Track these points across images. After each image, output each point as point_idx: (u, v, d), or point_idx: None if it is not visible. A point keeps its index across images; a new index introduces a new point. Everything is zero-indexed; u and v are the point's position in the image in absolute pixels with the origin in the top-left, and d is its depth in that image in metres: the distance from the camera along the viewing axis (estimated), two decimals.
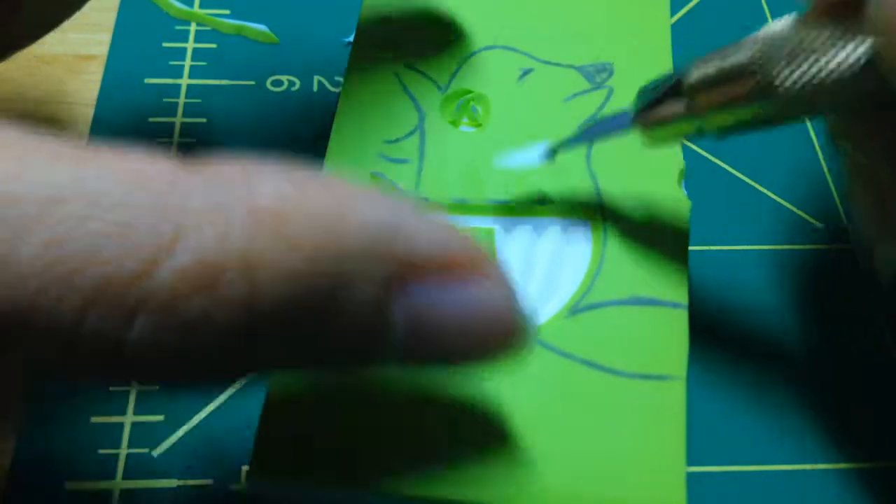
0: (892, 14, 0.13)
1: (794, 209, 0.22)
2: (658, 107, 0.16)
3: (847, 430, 0.18)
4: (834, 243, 0.21)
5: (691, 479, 0.17)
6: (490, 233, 0.18)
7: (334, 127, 0.20)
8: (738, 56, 0.15)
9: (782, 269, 0.20)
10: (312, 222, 0.10)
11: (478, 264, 0.12)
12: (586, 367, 0.16)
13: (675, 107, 0.16)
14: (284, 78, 0.23)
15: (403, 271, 0.11)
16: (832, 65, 0.14)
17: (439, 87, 0.20)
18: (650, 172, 0.19)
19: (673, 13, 0.25)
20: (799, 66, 0.14)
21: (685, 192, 0.19)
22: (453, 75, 0.21)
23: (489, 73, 0.21)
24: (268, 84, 0.23)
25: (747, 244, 0.21)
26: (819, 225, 0.21)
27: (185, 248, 0.10)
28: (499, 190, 0.19)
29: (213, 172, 0.11)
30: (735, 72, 0.15)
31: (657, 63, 0.21)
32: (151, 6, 0.24)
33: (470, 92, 0.20)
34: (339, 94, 0.21)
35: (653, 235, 0.18)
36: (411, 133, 0.19)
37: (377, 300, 0.11)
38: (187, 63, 0.23)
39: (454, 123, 0.20)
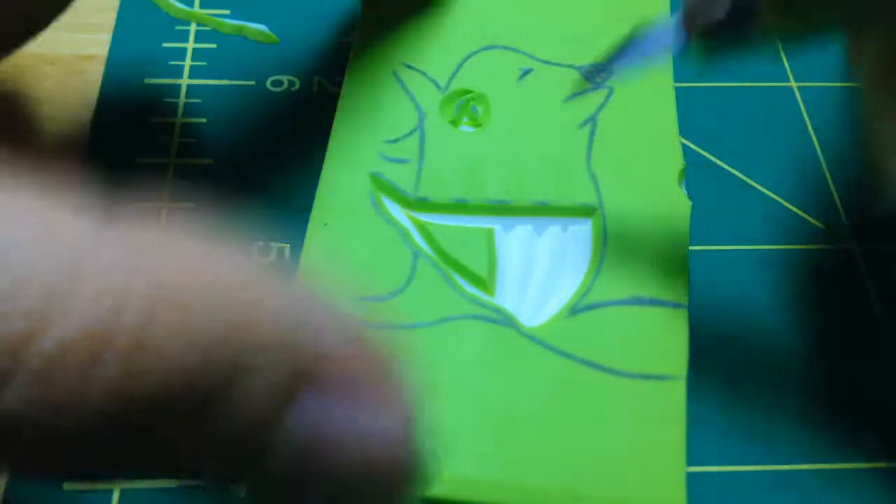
0: None
1: (794, 209, 0.22)
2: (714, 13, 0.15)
3: (847, 430, 0.18)
4: (834, 243, 0.21)
5: (691, 479, 0.17)
6: (490, 233, 0.18)
7: (334, 126, 0.20)
8: None
9: (782, 269, 0.20)
10: (217, 308, 0.10)
11: (385, 383, 0.11)
12: (586, 367, 0.16)
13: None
14: (284, 78, 0.23)
15: (308, 373, 0.10)
16: None
17: (439, 87, 0.20)
18: (650, 172, 0.19)
19: (672, 12, 0.25)
20: None
21: (685, 192, 0.19)
22: (453, 75, 0.21)
23: (489, 73, 0.21)
24: (268, 84, 0.23)
25: (747, 244, 0.21)
26: (819, 225, 0.21)
27: (76, 317, 0.09)
28: (499, 190, 0.19)
29: (127, 236, 0.10)
30: None
31: None
32: (151, 6, 0.24)
33: (470, 92, 0.20)
34: (338, 94, 0.21)
35: (653, 235, 0.18)
36: (411, 133, 0.19)
37: (275, 400, 0.10)
38: (187, 63, 0.23)
39: (454, 123, 0.20)
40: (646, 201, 0.18)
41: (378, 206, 0.18)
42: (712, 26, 0.15)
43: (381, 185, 0.19)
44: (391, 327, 0.17)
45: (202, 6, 0.24)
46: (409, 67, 0.20)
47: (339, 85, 0.23)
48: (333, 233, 0.18)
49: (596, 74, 0.20)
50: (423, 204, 0.18)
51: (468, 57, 0.21)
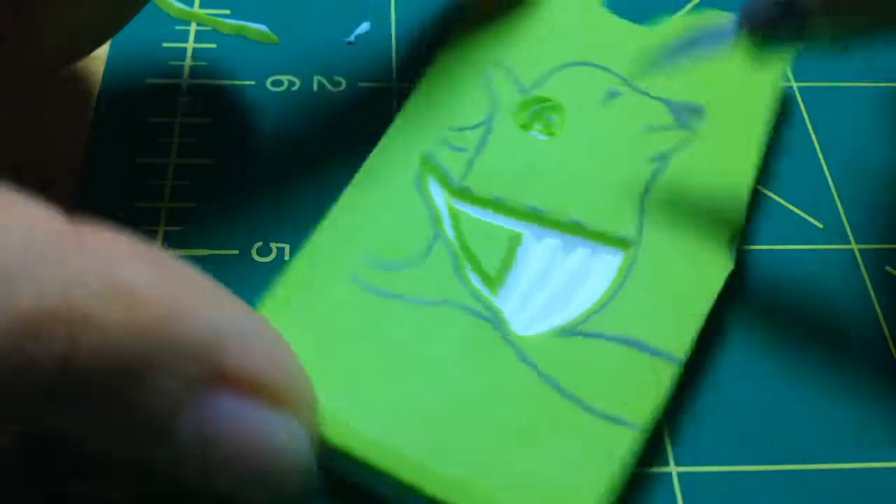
0: None
1: (794, 209, 0.22)
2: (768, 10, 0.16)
3: (847, 430, 0.18)
4: (834, 243, 0.21)
5: (690, 478, 0.17)
6: (517, 237, 0.18)
7: (406, 104, 0.20)
8: None
9: (782, 269, 0.20)
10: (154, 307, 0.11)
11: (290, 397, 0.13)
12: (551, 387, 0.16)
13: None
14: (284, 78, 0.23)
15: (213, 377, 0.12)
16: None
17: (522, 89, 0.20)
18: (704, 224, 0.18)
19: (674, 12, 0.25)
20: None
21: (732, 257, 0.18)
22: (539, 81, 0.21)
23: (575, 86, 0.21)
24: (268, 84, 0.23)
25: (747, 244, 0.21)
26: (819, 225, 0.21)
27: (36, 294, 0.10)
28: (540, 199, 0.19)
29: (91, 238, 0.11)
30: None
31: (751, 122, 0.20)
32: (151, 6, 0.24)
33: (549, 101, 0.20)
34: (338, 95, 0.21)
35: (679, 285, 0.18)
36: (478, 126, 0.19)
37: (174, 395, 0.11)
38: (187, 63, 0.23)
39: (525, 127, 0.20)
40: (687, 250, 0.18)
41: (420, 185, 0.19)
42: (765, 23, 0.16)
43: (430, 167, 0.19)
44: (395, 296, 0.17)
45: (202, 6, 0.24)
46: (499, 65, 0.20)
47: (339, 85, 0.23)
48: (367, 196, 0.18)
49: (686, 113, 0.20)
50: (463, 193, 0.19)
51: (560, 68, 0.21)
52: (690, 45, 0.17)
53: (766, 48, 0.16)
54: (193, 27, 0.24)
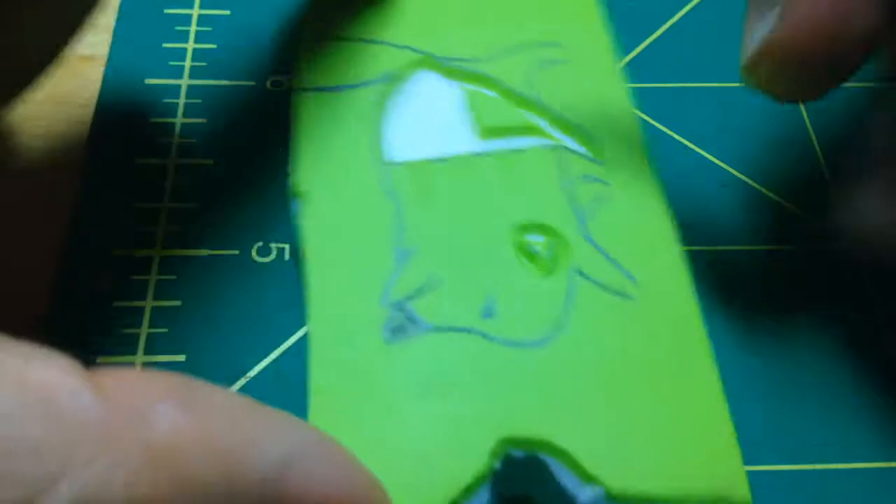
0: None
1: (795, 209, 0.22)
2: None
3: (846, 430, 0.18)
4: (833, 243, 0.21)
5: None
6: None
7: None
8: None
9: (782, 269, 0.20)
10: (206, 460, 0.10)
11: None
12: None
13: None
14: (284, 78, 0.23)
15: None
16: None
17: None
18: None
19: (672, 14, 0.25)
20: None
21: None
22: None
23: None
24: (268, 84, 0.23)
25: (747, 244, 0.21)
26: (818, 224, 0.21)
27: (69, 484, 0.09)
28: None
29: (116, 394, 0.10)
30: None
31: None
32: (151, 6, 0.24)
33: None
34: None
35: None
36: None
37: None
38: (187, 63, 0.23)
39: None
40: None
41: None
42: None
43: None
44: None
45: (202, 6, 0.24)
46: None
47: None
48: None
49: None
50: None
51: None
52: None
53: None
54: (193, 27, 0.24)
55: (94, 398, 0.10)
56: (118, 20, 0.24)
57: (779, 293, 0.20)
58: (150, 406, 0.10)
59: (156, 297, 0.19)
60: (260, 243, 0.20)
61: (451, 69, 0.21)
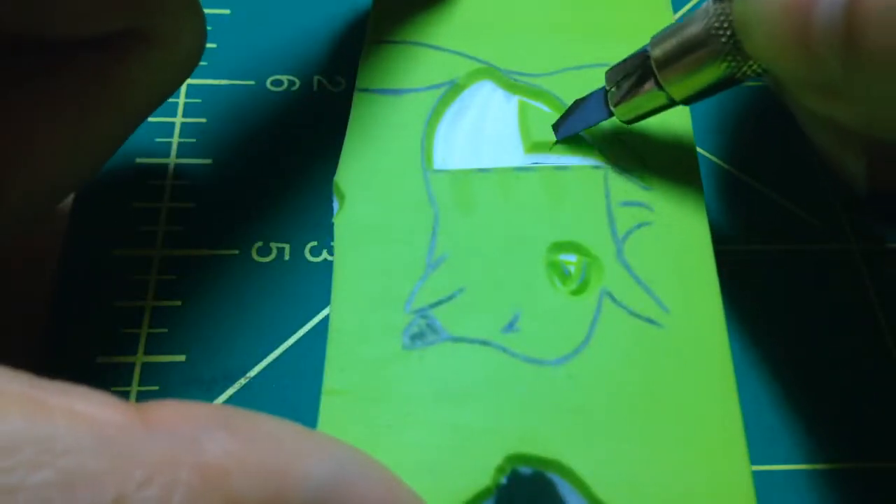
0: None
1: (794, 209, 0.22)
2: (630, 88, 0.18)
3: (846, 430, 0.18)
4: (834, 243, 0.21)
5: None
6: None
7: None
8: (695, 25, 0.16)
9: (782, 269, 0.20)
10: (255, 481, 0.11)
11: None
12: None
13: (646, 85, 0.18)
14: (284, 78, 0.23)
15: None
16: None
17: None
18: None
19: (674, 12, 0.25)
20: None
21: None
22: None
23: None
24: (268, 84, 0.23)
25: (747, 244, 0.21)
26: (819, 225, 0.21)
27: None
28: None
29: (162, 423, 0.11)
30: (696, 40, 0.16)
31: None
32: None
33: None
34: (338, 95, 0.21)
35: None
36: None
37: None
38: None
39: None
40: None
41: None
42: (623, 81, 0.18)
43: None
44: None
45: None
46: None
47: (339, 85, 0.23)
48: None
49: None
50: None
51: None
52: (575, 121, 0.19)
53: (633, 109, 0.18)
54: None
55: (143, 429, 0.10)
56: None
57: (779, 293, 0.20)
58: (198, 432, 0.11)
59: (156, 297, 0.19)
60: (260, 243, 0.20)
61: (511, 82, 0.20)
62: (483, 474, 0.15)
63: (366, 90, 0.20)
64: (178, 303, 0.19)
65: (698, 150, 0.22)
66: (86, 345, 0.18)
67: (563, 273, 0.18)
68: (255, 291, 0.19)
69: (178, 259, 0.20)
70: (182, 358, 0.18)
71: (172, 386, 0.18)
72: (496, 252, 0.18)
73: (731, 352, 0.17)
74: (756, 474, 0.18)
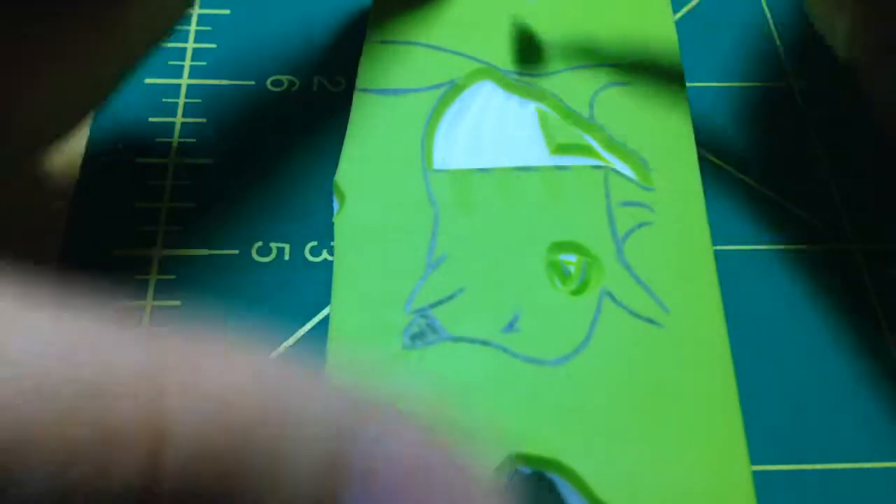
0: None
1: (794, 209, 0.22)
2: None
3: (846, 430, 0.18)
4: (834, 243, 0.21)
5: None
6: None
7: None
8: None
9: (782, 269, 0.20)
10: (253, 396, 0.09)
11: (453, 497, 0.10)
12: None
13: None
14: (284, 78, 0.23)
15: (349, 470, 0.09)
16: None
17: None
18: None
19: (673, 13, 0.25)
20: None
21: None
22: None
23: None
24: (268, 84, 0.23)
25: (747, 244, 0.21)
26: (818, 224, 0.21)
27: (111, 421, 0.09)
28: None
29: (151, 338, 0.10)
30: None
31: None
32: None
33: None
34: (338, 95, 0.21)
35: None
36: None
37: (312, 494, 0.09)
38: (187, 63, 0.23)
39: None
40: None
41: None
42: None
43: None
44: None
45: (202, 6, 0.24)
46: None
47: (339, 85, 0.23)
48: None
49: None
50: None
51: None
52: None
53: None
54: (193, 27, 0.24)
55: (130, 339, 0.09)
56: None
57: (779, 293, 0.20)
58: (200, 356, 0.10)
59: (156, 297, 0.19)
60: (260, 243, 0.20)
61: (511, 82, 0.20)
62: (482, 474, 0.15)
63: (366, 90, 0.20)
64: (178, 303, 0.19)
65: (698, 150, 0.22)
66: None
67: (563, 273, 0.18)
68: (255, 291, 0.19)
69: (178, 259, 0.20)
70: None
71: None
72: (496, 252, 0.18)
73: (732, 352, 0.17)
74: (756, 474, 0.18)
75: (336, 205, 0.19)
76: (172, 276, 0.19)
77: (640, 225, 0.18)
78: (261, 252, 0.20)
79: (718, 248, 0.21)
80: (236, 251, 0.20)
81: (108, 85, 0.18)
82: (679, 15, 0.25)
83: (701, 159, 0.22)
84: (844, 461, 0.18)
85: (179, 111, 0.22)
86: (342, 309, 0.17)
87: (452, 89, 0.20)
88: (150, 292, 0.19)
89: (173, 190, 0.21)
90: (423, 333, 0.17)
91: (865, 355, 0.19)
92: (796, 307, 0.20)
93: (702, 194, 0.19)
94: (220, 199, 0.21)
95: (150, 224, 0.20)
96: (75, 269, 0.19)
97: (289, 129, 0.22)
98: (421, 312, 0.17)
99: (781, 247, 0.21)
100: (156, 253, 0.20)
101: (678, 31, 0.24)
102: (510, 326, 0.17)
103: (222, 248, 0.20)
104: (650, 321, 0.17)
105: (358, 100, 0.20)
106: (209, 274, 0.19)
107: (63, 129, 0.17)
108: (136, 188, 0.21)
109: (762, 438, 0.18)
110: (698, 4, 0.26)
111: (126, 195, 0.20)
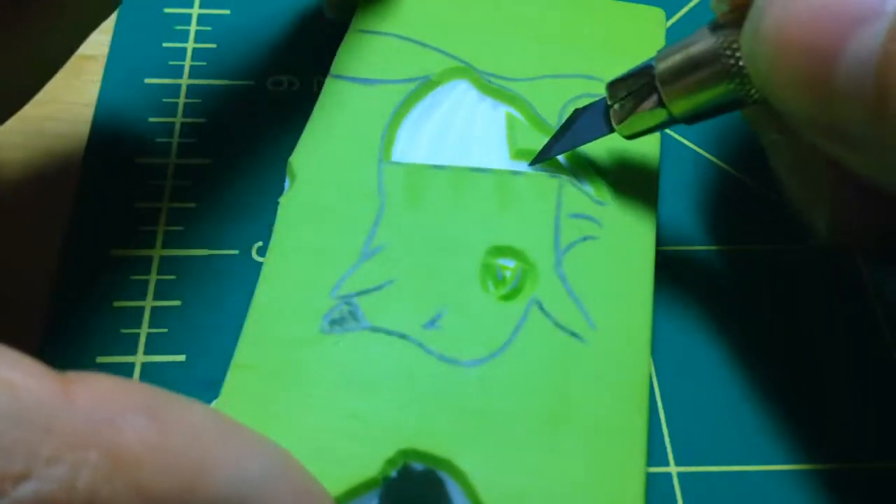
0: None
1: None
2: (631, 104, 0.17)
3: (845, 430, 0.18)
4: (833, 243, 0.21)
5: (690, 478, 0.17)
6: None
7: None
8: (704, 43, 0.16)
9: (782, 270, 0.21)
10: (166, 474, 0.10)
11: None
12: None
13: (648, 102, 0.17)
14: (284, 78, 0.23)
15: None
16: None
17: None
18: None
19: (673, 13, 0.25)
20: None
21: None
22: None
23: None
24: (268, 84, 0.23)
25: (747, 244, 0.21)
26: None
27: (32, 483, 0.09)
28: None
29: (85, 398, 0.10)
30: (704, 58, 0.16)
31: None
32: (151, 6, 0.24)
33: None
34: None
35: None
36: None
37: None
38: (187, 63, 0.23)
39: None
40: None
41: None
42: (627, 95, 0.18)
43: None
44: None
45: (202, 6, 0.24)
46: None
47: None
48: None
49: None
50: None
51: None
52: (572, 131, 0.18)
53: (635, 126, 0.18)
54: (193, 27, 0.24)
55: (63, 402, 0.10)
56: (118, 20, 0.24)
57: (779, 293, 0.20)
58: (118, 413, 0.10)
59: (156, 297, 0.19)
60: (260, 243, 0.20)
61: (486, 84, 0.20)
62: (372, 464, 0.15)
63: (339, 76, 0.20)
64: (178, 303, 0.19)
65: (698, 150, 0.22)
66: (86, 345, 0.18)
67: (496, 277, 0.18)
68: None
69: (178, 259, 0.20)
70: (182, 358, 0.18)
71: (172, 386, 0.18)
72: (433, 249, 0.18)
73: (727, 353, 0.17)
74: (754, 475, 0.18)
75: (287, 184, 0.19)
76: (172, 276, 0.19)
77: (585, 238, 0.18)
78: (261, 252, 0.20)
79: (717, 248, 0.21)
80: (236, 251, 0.20)
81: (53, 63, 0.18)
82: (678, 16, 0.25)
83: (701, 159, 0.22)
84: (843, 461, 0.18)
85: (179, 111, 0.22)
86: (268, 286, 0.17)
87: (425, 84, 0.20)
88: (150, 292, 0.19)
89: (173, 190, 0.21)
90: (343, 319, 0.17)
91: (865, 355, 0.19)
92: (796, 307, 0.20)
93: (654, 216, 0.19)
94: (220, 199, 0.21)
95: (150, 224, 0.20)
96: (75, 269, 0.19)
97: (288, 129, 0.22)
98: (345, 299, 0.17)
99: (781, 247, 0.21)
100: (156, 253, 0.20)
101: (678, 32, 0.24)
102: (431, 323, 0.17)
103: (222, 248, 0.20)
104: (574, 335, 0.17)
105: (329, 85, 0.20)
106: (209, 274, 0.19)
107: (6, 109, 0.17)
108: (136, 188, 0.21)
109: (760, 439, 0.18)
110: (697, 5, 0.26)
111: (126, 195, 0.20)
